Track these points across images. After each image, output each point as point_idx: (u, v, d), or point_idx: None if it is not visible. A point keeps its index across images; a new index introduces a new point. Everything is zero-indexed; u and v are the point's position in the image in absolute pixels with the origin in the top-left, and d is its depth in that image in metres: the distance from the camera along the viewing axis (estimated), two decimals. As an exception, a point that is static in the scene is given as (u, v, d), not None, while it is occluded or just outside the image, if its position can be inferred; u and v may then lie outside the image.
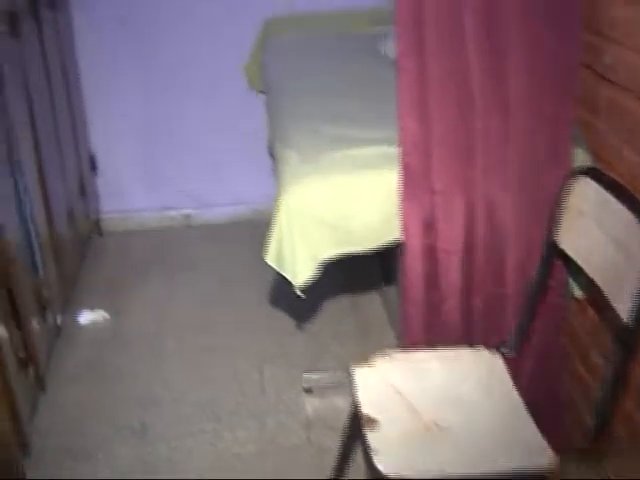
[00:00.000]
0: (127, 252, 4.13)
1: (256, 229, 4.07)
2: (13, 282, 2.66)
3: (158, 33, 3.98)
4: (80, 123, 3.93)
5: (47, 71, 3.34)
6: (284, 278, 2.26)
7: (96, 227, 4.23)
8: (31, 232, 2.96)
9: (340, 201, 2.23)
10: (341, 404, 2.82)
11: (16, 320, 2.70)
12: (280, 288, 3.09)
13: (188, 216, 4.33)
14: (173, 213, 4.34)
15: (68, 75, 3.71)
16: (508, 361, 2.18)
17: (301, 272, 2.22)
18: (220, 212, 4.31)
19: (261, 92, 3.89)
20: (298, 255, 2.22)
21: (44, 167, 3.16)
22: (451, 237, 2.29)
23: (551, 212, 2.14)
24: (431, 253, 2.30)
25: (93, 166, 4.14)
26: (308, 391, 3.00)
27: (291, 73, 3.31)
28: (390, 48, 3.11)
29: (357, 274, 3.60)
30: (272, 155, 3.38)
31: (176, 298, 3.68)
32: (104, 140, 4.15)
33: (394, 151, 2.21)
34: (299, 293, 2.23)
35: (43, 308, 3.03)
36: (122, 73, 4.03)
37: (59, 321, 3.26)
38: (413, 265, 2.29)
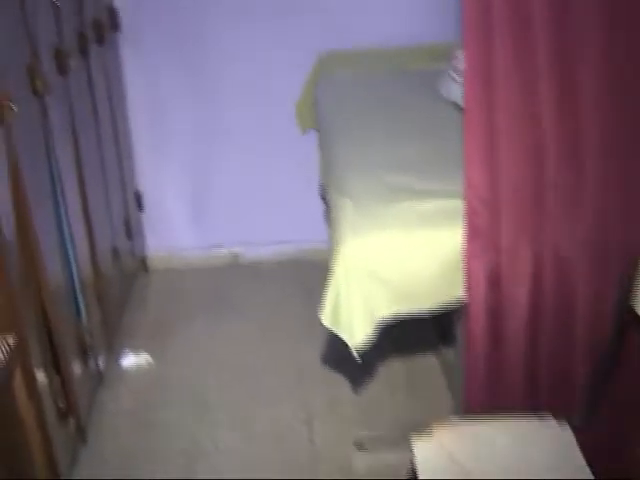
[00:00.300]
0: (173, 291, 4.02)
1: (304, 269, 4.04)
2: (54, 327, 2.56)
3: (208, 69, 3.88)
4: (127, 160, 3.85)
5: (94, 107, 3.26)
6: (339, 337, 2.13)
7: (142, 265, 4.14)
8: (74, 273, 2.86)
9: (400, 258, 2.11)
10: (393, 462, 2.67)
11: (56, 367, 2.59)
12: (332, 340, 2.94)
13: (235, 254, 4.22)
14: (220, 251, 4.23)
15: (115, 111, 3.63)
16: (578, 433, 2.02)
17: (358, 332, 2.10)
18: (268, 251, 4.19)
19: (312, 129, 3.79)
20: (355, 314, 2.10)
21: (89, 205, 3.06)
22: (517, 295, 2.15)
23: (627, 273, 1.98)
24: (495, 313, 2.16)
25: (140, 204, 4.05)
26: (360, 448, 2.85)
27: (345, 112, 3.20)
28: (451, 89, 3.00)
29: (412, 333, 3.32)
30: (324, 198, 3.27)
31: (221, 342, 3.56)
32: (151, 177, 4.07)
33: (458, 205, 2.08)
34: (356, 355, 2.10)
35: (85, 353, 2.92)
36: (170, 110, 3.95)
37: (101, 366, 3.15)
38: (475, 326, 2.15)
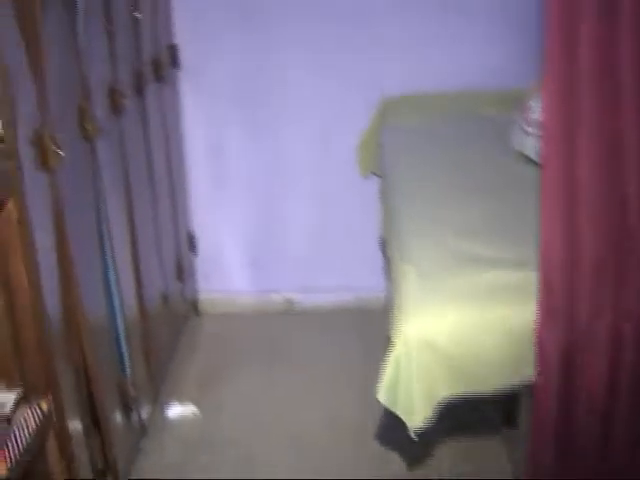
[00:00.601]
0: (224, 337, 3.88)
1: (361, 318, 3.88)
2: (94, 382, 2.42)
3: (269, 107, 3.78)
4: (181, 200, 3.73)
5: (148, 147, 3.15)
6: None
7: (193, 308, 4.01)
8: (118, 322, 2.73)
9: (465, 335, 1.93)
10: None
11: (95, 424, 2.45)
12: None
13: (290, 301, 4.07)
14: (275, 296, 4.09)
15: (171, 150, 3.52)
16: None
17: (417, 414, 1.92)
18: (324, 298, 4.04)
19: (374, 174, 3.64)
20: (415, 394, 1.93)
21: (138, 248, 2.95)
22: (593, 375, 1.96)
23: None
24: (567, 394, 1.98)
25: (193, 245, 3.92)
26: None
27: (409, 160, 3.05)
28: (523, 142, 2.82)
29: (473, 411, 3.08)
30: (383, 251, 3.11)
31: (273, 394, 3.40)
32: (206, 218, 3.96)
33: (531, 277, 1.90)
34: (413, 435, 1.93)
35: (128, 407, 2.78)
36: (229, 149, 3.84)
37: (145, 417, 3.01)
38: (545, 408, 1.97)
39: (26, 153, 1.94)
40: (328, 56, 3.67)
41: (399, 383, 1.94)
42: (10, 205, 1.75)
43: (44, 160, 2.05)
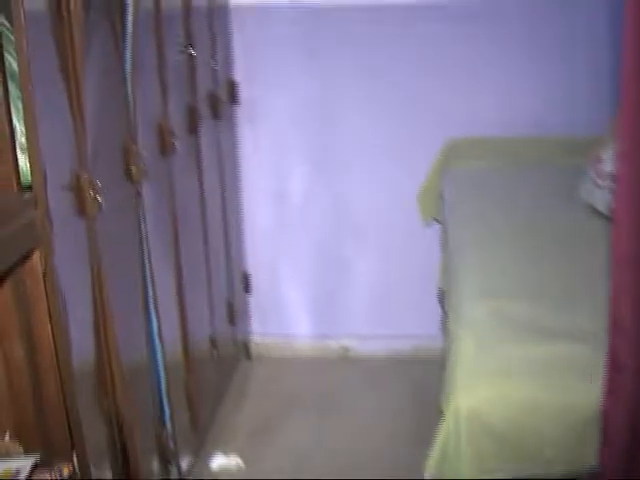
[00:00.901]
0: (275, 383, 3.75)
1: (417, 367, 3.71)
2: (129, 433, 2.28)
3: (330, 148, 3.69)
4: (236, 239, 3.61)
5: (201, 186, 3.04)
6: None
7: (244, 351, 3.88)
8: (159, 367, 2.60)
9: (522, 413, 1.76)
10: None
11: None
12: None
13: (345, 347, 3.93)
14: (330, 342, 3.95)
15: (226, 188, 3.41)
16: None
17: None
18: (380, 345, 3.90)
19: (436, 221, 3.50)
20: (463, 472, 1.75)
21: (184, 289, 2.82)
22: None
23: None
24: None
25: (247, 285, 3.80)
26: None
27: (471, 210, 2.90)
28: (593, 194, 2.65)
29: None
30: (441, 303, 2.95)
31: (323, 446, 3.25)
32: (262, 258, 3.86)
33: (598, 351, 1.72)
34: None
35: (166, 461, 2.65)
36: (287, 189, 3.76)
37: (185, 469, 2.86)
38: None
39: (60, 199, 1.83)
40: (393, 97, 3.58)
41: (447, 461, 1.78)
42: (35, 257, 1.64)
43: (81, 206, 1.94)
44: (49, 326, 1.71)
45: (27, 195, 1.65)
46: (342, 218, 3.77)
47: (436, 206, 3.44)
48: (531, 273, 2.24)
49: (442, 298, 2.95)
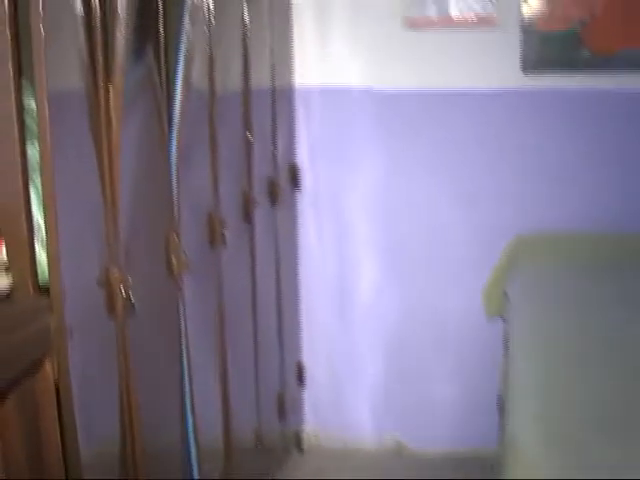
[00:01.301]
0: (327, 476, 3.55)
1: (474, 468, 3.48)
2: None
3: (396, 243, 3.56)
4: (291, 331, 3.47)
5: (252, 274, 2.93)
6: None
7: (296, 443, 3.71)
8: (193, 464, 2.43)
9: None
10: None
11: None
12: None
13: (401, 444, 3.75)
14: (386, 438, 3.77)
15: (282, 278, 3.28)
16: None
17: None
18: (435, 444, 3.70)
19: (501, 318, 3.31)
20: None
21: (229, 380, 2.68)
22: None
23: None
24: None
25: (301, 377, 3.66)
26: None
27: (536, 313, 2.68)
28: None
29: None
30: (501, 409, 2.74)
31: None
32: (318, 349, 3.71)
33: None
34: None
35: None
36: (348, 282, 3.62)
37: None
38: None
39: (86, 296, 1.73)
40: (464, 186, 3.46)
41: None
42: (47, 366, 1.52)
43: (110, 305, 1.83)
44: (59, 432, 1.59)
45: (43, 300, 1.54)
46: (405, 311, 3.62)
47: (502, 303, 3.26)
48: (599, 397, 2.01)
49: (501, 404, 2.75)
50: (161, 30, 2.07)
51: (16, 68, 1.50)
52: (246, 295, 2.88)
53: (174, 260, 2.17)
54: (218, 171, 2.53)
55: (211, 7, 2.42)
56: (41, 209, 1.59)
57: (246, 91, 2.80)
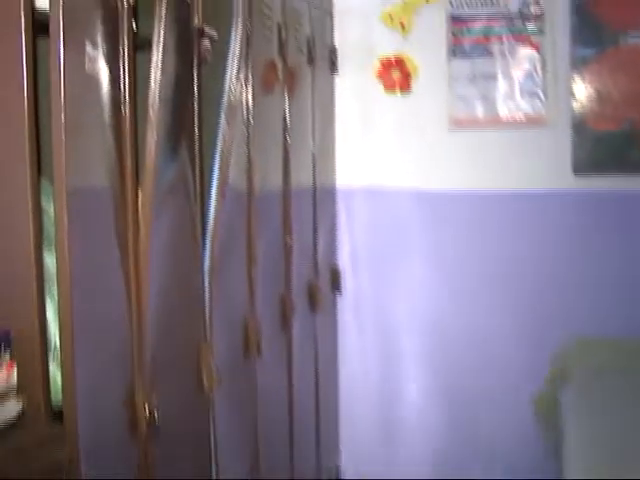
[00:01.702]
0: None
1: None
2: None
3: (442, 355, 3.41)
4: (327, 433, 3.28)
5: (289, 383, 2.77)
6: None
7: None
8: None
9: None
10: None
11: None
12: None
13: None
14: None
15: (320, 387, 3.12)
16: None
17: None
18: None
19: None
20: None
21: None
22: None
23: None
24: None
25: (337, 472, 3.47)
26: None
27: (592, 427, 2.48)
28: None
29: None
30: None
31: None
32: (353, 450, 3.52)
33: None
34: None
35: None
36: (391, 395, 3.46)
37: None
38: None
39: (106, 416, 1.58)
40: (514, 289, 3.32)
41: None
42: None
43: (133, 425, 1.67)
44: None
45: (56, 428, 1.39)
46: (451, 419, 3.44)
47: (554, 413, 3.06)
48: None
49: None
50: (196, 130, 1.97)
51: (34, 167, 1.38)
52: (282, 409, 2.72)
53: (205, 375, 2.01)
54: (254, 275, 2.39)
55: (250, 106, 2.32)
56: (57, 323, 1.45)
57: (286, 191, 2.70)
